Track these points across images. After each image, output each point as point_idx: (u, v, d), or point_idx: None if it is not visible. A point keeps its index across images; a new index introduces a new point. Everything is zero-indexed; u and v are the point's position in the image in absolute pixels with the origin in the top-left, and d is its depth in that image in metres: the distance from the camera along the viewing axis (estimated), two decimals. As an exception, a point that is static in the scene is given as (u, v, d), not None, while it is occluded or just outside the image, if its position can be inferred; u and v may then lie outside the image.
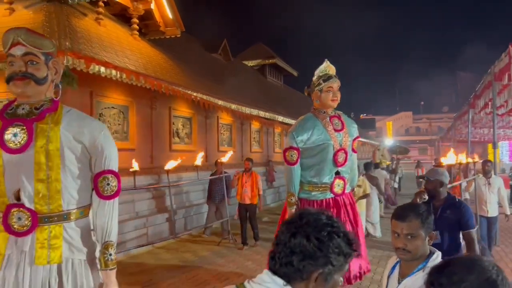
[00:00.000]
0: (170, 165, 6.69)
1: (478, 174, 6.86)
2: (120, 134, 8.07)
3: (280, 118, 14.77)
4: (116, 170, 2.00)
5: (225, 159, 7.80)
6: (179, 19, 10.32)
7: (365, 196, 7.38)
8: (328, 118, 3.08)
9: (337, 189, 3.01)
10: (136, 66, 7.96)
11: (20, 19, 7.25)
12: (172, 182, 8.32)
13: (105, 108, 7.71)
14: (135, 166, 5.95)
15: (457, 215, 2.98)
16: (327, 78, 3.07)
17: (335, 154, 2.99)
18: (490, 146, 16.57)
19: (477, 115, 10.35)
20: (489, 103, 8.08)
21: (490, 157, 12.27)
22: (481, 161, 7.38)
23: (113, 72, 6.72)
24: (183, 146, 10.00)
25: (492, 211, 6.31)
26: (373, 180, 8.11)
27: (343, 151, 3.03)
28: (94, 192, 1.98)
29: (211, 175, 8.36)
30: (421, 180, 3.61)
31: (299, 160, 3.01)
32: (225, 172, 8.16)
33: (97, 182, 1.95)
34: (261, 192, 7.64)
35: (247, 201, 7.47)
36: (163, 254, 7.01)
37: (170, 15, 10.11)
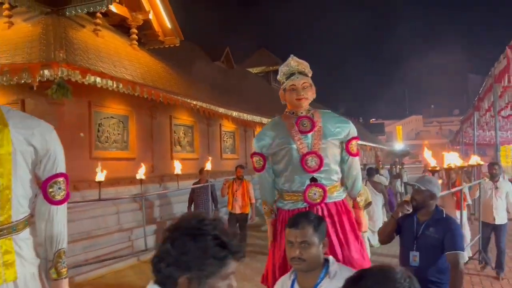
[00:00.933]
0: (140, 174, 6.55)
1: (484, 178, 6.53)
2: (120, 144, 8.09)
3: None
4: (65, 172, 1.87)
5: (209, 166, 7.29)
6: (177, 28, 10.40)
7: (369, 204, 7.15)
8: (294, 120, 2.72)
9: (313, 198, 2.62)
10: (134, 76, 7.99)
11: (18, 32, 7.36)
12: (173, 190, 8.17)
13: (104, 118, 7.75)
14: (100, 176, 5.68)
15: (442, 232, 2.59)
16: (289, 75, 2.73)
17: (301, 159, 2.62)
18: (502, 148, 16.16)
19: (482, 117, 10.17)
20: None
21: (502, 160, 11.93)
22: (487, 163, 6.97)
23: (110, 82, 6.74)
24: (185, 154, 9.99)
25: (499, 218, 5.81)
26: (377, 187, 7.85)
27: (314, 154, 2.63)
28: (41, 198, 1.80)
29: (194, 184, 7.65)
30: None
31: (266, 165, 2.78)
32: (210, 181, 7.55)
33: (47, 187, 1.78)
34: (253, 201, 7.19)
35: (238, 210, 7.07)
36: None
37: (168, 24, 10.20)
